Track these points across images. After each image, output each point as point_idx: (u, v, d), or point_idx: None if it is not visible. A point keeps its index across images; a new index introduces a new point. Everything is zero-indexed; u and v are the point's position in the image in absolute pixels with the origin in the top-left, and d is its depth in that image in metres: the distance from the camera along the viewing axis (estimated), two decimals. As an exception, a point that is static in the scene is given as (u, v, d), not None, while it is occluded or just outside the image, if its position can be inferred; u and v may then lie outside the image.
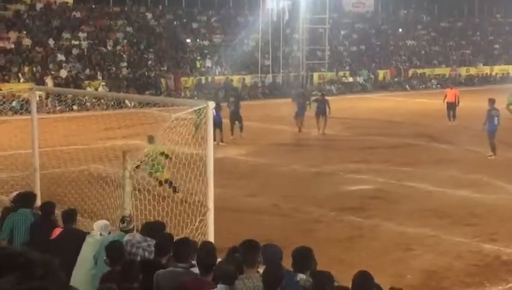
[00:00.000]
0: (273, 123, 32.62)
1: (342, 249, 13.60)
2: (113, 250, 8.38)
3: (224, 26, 54.98)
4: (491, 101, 24.09)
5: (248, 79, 49.32)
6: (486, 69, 62.94)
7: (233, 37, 52.79)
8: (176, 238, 8.57)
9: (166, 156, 16.19)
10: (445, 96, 33.34)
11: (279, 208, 17.04)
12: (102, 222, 10.16)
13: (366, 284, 6.78)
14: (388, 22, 66.52)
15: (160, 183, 16.93)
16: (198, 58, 49.82)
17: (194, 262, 7.65)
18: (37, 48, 43.57)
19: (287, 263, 7.51)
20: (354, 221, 15.77)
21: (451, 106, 32.36)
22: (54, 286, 2.66)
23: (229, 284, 6.95)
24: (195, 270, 7.54)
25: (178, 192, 16.03)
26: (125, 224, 9.67)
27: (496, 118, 23.40)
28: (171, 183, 16.66)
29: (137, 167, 14.56)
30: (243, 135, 27.53)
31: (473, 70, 62.04)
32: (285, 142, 27.09)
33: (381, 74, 56.76)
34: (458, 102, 32.38)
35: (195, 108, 11.03)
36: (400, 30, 65.87)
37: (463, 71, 61.33)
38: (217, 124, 23.51)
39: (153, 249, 8.43)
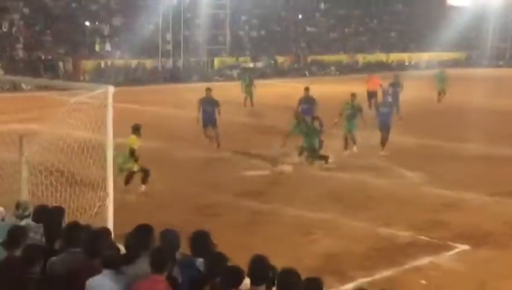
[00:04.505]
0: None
1: (242, 233, 13.67)
2: (17, 234, 8.02)
3: (124, 8, 54.04)
4: None
5: (148, 63, 48.82)
6: (383, 56, 64.34)
7: (133, 20, 51.98)
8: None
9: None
10: (367, 82, 32.50)
11: (176, 194, 16.98)
12: (-4, 208, 9.88)
13: (261, 266, 6.85)
14: (288, 8, 66.99)
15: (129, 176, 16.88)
16: (98, 41, 48.90)
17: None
18: None
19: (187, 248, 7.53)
20: (254, 206, 15.90)
21: (373, 95, 31.26)
22: None
23: (114, 269, 6.95)
24: None
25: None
26: (20, 210, 9.43)
27: None
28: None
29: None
30: None
31: (369, 58, 63.31)
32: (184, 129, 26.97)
33: (280, 59, 57.23)
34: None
35: (96, 92, 10.76)
36: (300, 17, 66.49)
37: (360, 58, 62.51)
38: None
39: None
